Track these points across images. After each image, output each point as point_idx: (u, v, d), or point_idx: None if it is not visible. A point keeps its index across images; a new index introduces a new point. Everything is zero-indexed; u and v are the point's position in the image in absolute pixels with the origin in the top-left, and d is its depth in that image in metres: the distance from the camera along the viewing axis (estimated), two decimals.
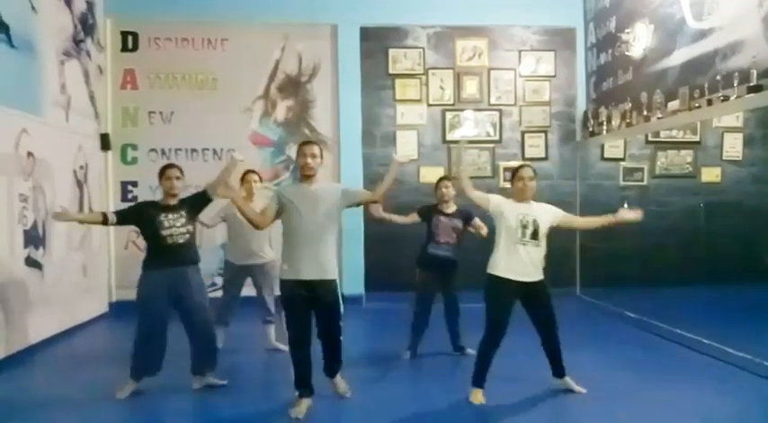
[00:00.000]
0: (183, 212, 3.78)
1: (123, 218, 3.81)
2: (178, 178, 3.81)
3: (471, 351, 4.45)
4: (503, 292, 3.55)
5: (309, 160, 3.41)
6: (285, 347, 4.66)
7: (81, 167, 6.00)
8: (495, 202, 3.66)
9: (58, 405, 3.64)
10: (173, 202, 3.81)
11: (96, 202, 6.23)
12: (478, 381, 3.61)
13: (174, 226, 3.72)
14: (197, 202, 3.90)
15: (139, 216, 3.78)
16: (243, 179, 4.75)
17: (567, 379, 3.77)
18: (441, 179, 4.74)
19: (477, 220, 4.56)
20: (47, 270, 5.12)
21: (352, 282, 6.78)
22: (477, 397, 3.57)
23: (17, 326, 4.63)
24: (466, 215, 4.60)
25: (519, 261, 3.54)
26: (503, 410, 3.50)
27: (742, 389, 3.87)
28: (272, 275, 4.72)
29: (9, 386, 4.11)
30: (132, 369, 3.77)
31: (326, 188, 3.53)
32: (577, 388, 3.73)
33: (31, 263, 4.90)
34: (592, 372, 4.22)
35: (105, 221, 3.72)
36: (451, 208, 4.61)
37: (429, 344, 4.61)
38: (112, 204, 6.58)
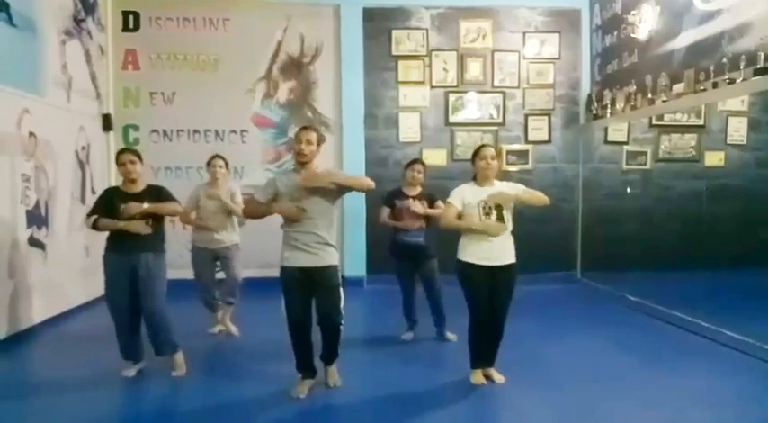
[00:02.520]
0: (145, 202, 3.68)
1: (98, 211, 3.72)
2: (132, 162, 3.71)
3: (452, 336, 4.48)
4: (474, 277, 3.50)
5: (303, 146, 3.34)
6: (236, 330, 4.77)
7: (83, 148, 6.00)
8: (458, 200, 3.55)
9: (62, 384, 3.67)
10: (135, 189, 3.74)
11: (98, 183, 6.23)
12: (475, 363, 3.65)
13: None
14: (161, 198, 3.78)
15: (107, 202, 3.72)
16: (209, 164, 4.73)
17: (493, 370, 3.68)
18: (413, 162, 4.55)
19: (440, 204, 4.27)
20: (50, 250, 5.15)
21: (353, 264, 6.80)
22: (477, 377, 3.61)
23: (21, 305, 4.68)
24: (429, 197, 4.43)
25: (486, 245, 3.49)
26: (498, 392, 3.53)
27: (742, 372, 3.88)
28: (235, 259, 4.74)
29: (13, 365, 4.16)
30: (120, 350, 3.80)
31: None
32: (499, 377, 3.65)
33: (34, 243, 4.93)
34: (592, 355, 4.26)
35: (96, 225, 3.68)
36: (415, 190, 4.46)
37: (431, 327, 4.63)
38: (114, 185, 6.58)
